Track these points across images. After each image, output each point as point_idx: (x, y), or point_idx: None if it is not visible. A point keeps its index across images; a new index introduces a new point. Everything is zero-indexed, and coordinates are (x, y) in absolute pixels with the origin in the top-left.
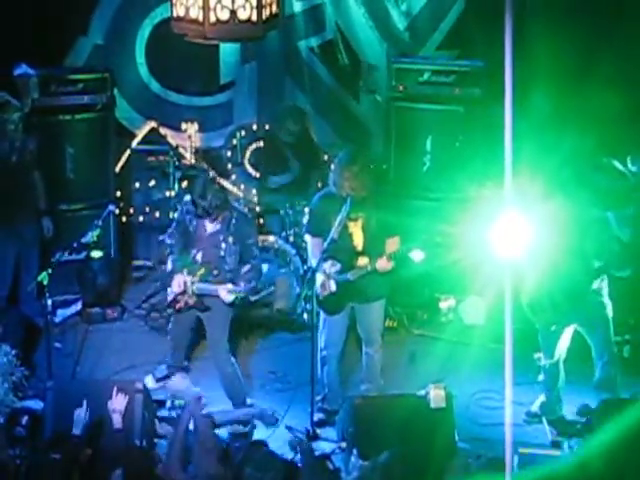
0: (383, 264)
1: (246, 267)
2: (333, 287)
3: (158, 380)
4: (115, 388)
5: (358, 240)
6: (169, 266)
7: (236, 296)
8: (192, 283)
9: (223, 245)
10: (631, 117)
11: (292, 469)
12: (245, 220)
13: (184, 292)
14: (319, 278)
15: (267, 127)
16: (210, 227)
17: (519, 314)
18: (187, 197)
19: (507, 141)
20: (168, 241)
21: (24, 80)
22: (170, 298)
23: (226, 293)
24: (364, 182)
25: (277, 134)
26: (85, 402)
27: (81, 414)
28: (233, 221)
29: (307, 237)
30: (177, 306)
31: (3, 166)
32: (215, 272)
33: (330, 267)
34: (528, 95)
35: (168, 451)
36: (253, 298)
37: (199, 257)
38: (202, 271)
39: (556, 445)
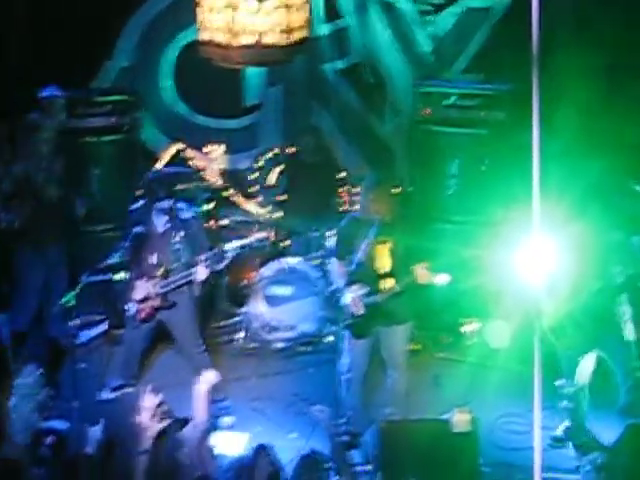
0: (424, 274)
1: (205, 254)
2: (361, 310)
3: (113, 390)
4: (149, 388)
5: (385, 263)
6: (125, 276)
7: (213, 269)
8: (154, 285)
9: (177, 239)
10: None
11: None
12: (190, 216)
13: (147, 297)
14: (347, 296)
15: (293, 149)
16: (161, 225)
17: (543, 338)
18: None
19: (535, 165)
20: (121, 252)
21: (51, 102)
22: (133, 310)
23: (203, 269)
24: (390, 205)
25: (299, 156)
26: (102, 421)
27: (96, 433)
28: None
29: (333, 260)
30: (143, 314)
31: (30, 187)
32: (175, 265)
33: (358, 289)
34: (554, 118)
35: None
36: (219, 267)
37: (154, 259)
38: (161, 270)
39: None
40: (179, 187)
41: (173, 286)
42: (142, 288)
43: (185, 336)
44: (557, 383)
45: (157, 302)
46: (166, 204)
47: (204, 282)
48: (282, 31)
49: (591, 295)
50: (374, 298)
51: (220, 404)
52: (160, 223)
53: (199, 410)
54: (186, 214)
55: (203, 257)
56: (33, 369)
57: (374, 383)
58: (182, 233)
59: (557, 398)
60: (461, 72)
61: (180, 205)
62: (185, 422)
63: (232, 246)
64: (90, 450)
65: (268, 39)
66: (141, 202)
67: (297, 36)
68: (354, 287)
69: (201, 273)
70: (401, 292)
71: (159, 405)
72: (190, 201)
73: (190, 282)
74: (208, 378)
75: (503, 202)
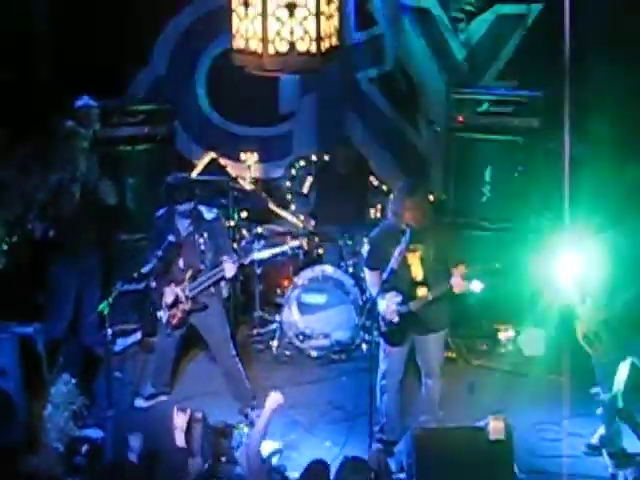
0: (459, 283)
1: (225, 256)
2: (396, 318)
3: (147, 398)
4: (176, 407)
5: (417, 271)
6: (154, 284)
7: (240, 264)
8: (183, 290)
9: (201, 241)
10: None
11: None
12: (212, 217)
13: (177, 303)
14: (382, 305)
15: (326, 158)
16: (183, 229)
17: (579, 346)
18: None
19: (566, 171)
20: (153, 262)
21: (86, 111)
22: (166, 316)
23: (230, 266)
24: (425, 212)
25: (332, 165)
26: (140, 431)
27: (136, 442)
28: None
29: (366, 270)
30: (175, 321)
31: (65, 196)
32: (201, 267)
33: (392, 298)
34: (588, 124)
35: None
36: (247, 261)
37: (181, 263)
38: (189, 274)
39: (616, 478)
40: (213, 193)
41: (202, 287)
42: (172, 293)
43: (216, 339)
44: (592, 391)
45: (188, 305)
46: (186, 207)
47: (232, 279)
48: (313, 39)
49: (625, 302)
50: (408, 306)
51: (254, 412)
52: (183, 227)
53: (260, 427)
54: (208, 215)
55: (230, 254)
56: (68, 378)
57: (409, 391)
58: (205, 235)
59: (592, 406)
60: (494, 79)
61: (201, 207)
62: (222, 431)
63: (266, 254)
64: (133, 458)
65: (300, 47)
66: (165, 208)
67: (328, 44)
68: (388, 295)
69: (229, 270)
70: (435, 300)
71: (190, 422)
72: (221, 207)
73: (218, 282)
74: (274, 399)
75: (537, 209)
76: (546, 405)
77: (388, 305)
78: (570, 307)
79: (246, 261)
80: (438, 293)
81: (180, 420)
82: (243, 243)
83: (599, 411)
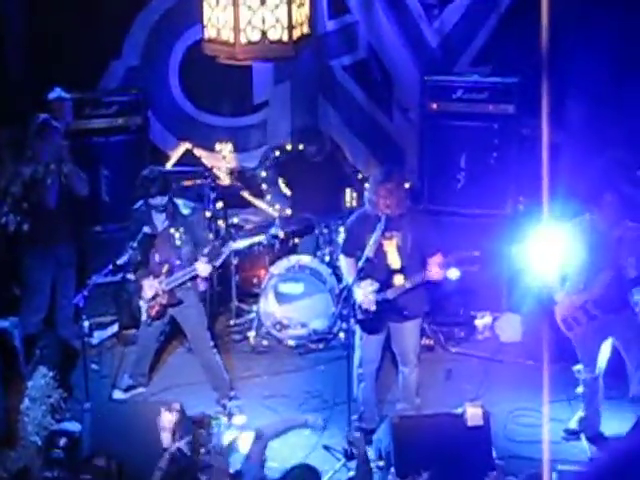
0: (435, 271)
1: (205, 249)
2: (373, 307)
3: (125, 390)
4: (162, 407)
5: (393, 258)
6: (132, 277)
7: (212, 265)
8: (160, 283)
9: (177, 235)
10: None
11: None
12: (190, 210)
13: (156, 295)
14: (358, 293)
15: (300, 147)
16: (160, 223)
17: (558, 331)
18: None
19: (544, 156)
20: (130, 252)
21: (59, 104)
22: (145, 308)
23: (204, 265)
24: (400, 200)
25: (306, 155)
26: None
27: (100, 461)
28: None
29: (341, 257)
30: (153, 312)
31: (38, 189)
32: (177, 262)
33: (368, 286)
34: (564, 110)
35: None
36: (217, 263)
37: (157, 257)
38: (165, 268)
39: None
40: (186, 184)
41: (177, 283)
42: (150, 287)
43: (194, 330)
44: (574, 368)
45: (164, 299)
46: (160, 201)
47: (208, 278)
48: (285, 27)
49: (604, 286)
50: (385, 294)
51: (233, 402)
52: (159, 221)
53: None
54: (184, 210)
55: (204, 253)
56: (45, 371)
57: (386, 378)
58: (182, 229)
59: (571, 389)
60: (469, 65)
61: (178, 201)
62: (200, 422)
63: (242, 245)
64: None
65: (272, 35)
66: (142, 200)
67: (300, 32)
68: (364, 283)
69: (202, 270)
70: (411, 287)
71: (178, 422)
72: (198, 199)
73: (194, 278)
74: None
75: (513, 194)
76: (524, 391)
77: (364, 293)
78: (548, 292)
79: (217, 263)
80: (415, 281)
81: (167, 420)
82: (218, 241)
83: (579, 389)
